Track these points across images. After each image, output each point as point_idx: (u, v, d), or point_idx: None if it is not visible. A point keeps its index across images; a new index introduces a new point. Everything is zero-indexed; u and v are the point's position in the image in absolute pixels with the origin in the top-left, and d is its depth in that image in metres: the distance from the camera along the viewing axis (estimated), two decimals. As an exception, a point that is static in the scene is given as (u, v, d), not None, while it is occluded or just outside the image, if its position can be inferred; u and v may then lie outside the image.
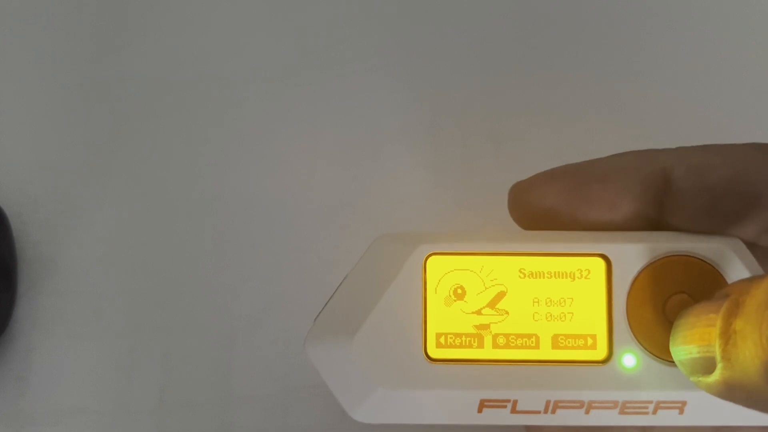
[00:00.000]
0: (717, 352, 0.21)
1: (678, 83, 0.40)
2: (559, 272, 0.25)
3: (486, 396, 0.25)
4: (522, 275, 0.25)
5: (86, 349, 0.38)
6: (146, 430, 0.37)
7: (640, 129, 0.39)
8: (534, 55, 0.40)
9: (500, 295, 0.25)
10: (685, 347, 0.23)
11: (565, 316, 0.25)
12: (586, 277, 0.25)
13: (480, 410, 0.25)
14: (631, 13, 0.41)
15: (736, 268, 0.25)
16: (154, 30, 0.41)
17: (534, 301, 0.25)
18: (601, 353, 0.25)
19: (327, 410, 0.36)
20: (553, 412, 0.25)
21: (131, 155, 0.40)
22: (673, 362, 0.24)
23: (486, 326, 0.25)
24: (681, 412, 0.25)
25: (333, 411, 0.36)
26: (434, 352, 0.25)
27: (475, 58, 0.40)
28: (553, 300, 0.25)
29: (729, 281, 0.25)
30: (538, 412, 0.25)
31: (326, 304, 0.26)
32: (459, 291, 0.25)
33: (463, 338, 0.25)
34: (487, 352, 0.25)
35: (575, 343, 0.25)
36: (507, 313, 0.25)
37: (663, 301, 0.25)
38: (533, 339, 0.25)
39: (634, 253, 0.25)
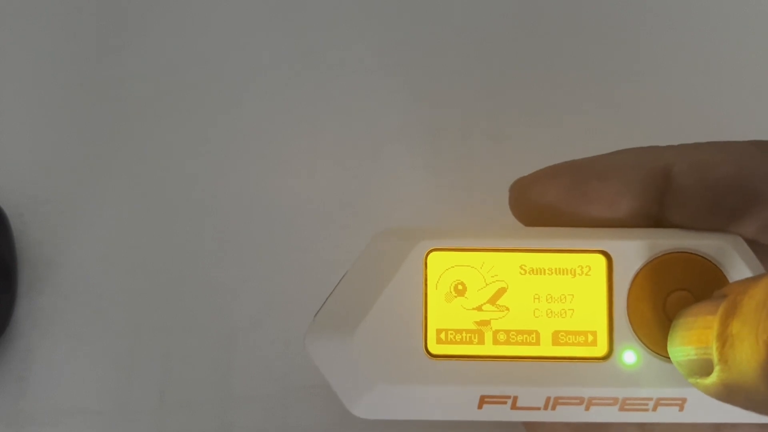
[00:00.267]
0: (714, 355, 0.21)
1: (678, 83, 0.40)
2: (559, 269, 0.25)
3: (486, 392, 0.25)
4: (523, 271, 0.25)
5: (86, 349, 0.37)
6: (146, 430, 0.37)
7: (640, 128, 0.39)
8: (534, 55, 0.40)
9: (501, 292, 0.25)
10: (682, 348, 0.23)
11: (565, 312, 0.25)
12: (586, 274, 0.25)
13: (480, 406, 0.25)
14: (631, 13, 0.41)
15: (737, 265, 0.25)
16: (155, 30, 0.41)
17: (534, 298, 0.25)
18: (601, 350, 0.25)
19: (327, 410, 0.36)
20: (553, 408, 0.25)
21: (131, 155, 0.40)
22: (674, 359, 0.24)
23: (486, 322, 0.25)
24: (681, 409, 0.25)
25: (333, 411, 0.36)
26: (435, 348, 0.25)
27: (475, 58, 0.40)
28: (553, 296, 0.25)
29: (730, 278, 0.25)
30: (538, 409, 0.25)
31: (326, 299, 0.26)
32: (460, 287, 0.25)
33: (464, 334, 0.25)
34: (488, 349, 0.25)
35: (576, 339, 0.25)
36: (507, 309, 0.25)
37: (663, 298, 0.25)
38: (534, 335, 0.25)
39: (634, 250, 0.25)
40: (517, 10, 0.41)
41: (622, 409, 0.25)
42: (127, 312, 0.38)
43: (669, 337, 0.24)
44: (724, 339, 0.20)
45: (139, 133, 0.40)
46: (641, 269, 0.25)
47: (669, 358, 0.24)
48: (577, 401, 0.25)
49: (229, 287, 0.38)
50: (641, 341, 0.25)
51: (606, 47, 0.40)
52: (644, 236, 0.25)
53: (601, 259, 0.25)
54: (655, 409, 0.25)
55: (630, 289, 0.25)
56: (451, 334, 0.25)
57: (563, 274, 0.25)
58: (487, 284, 0.25)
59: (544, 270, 0.25)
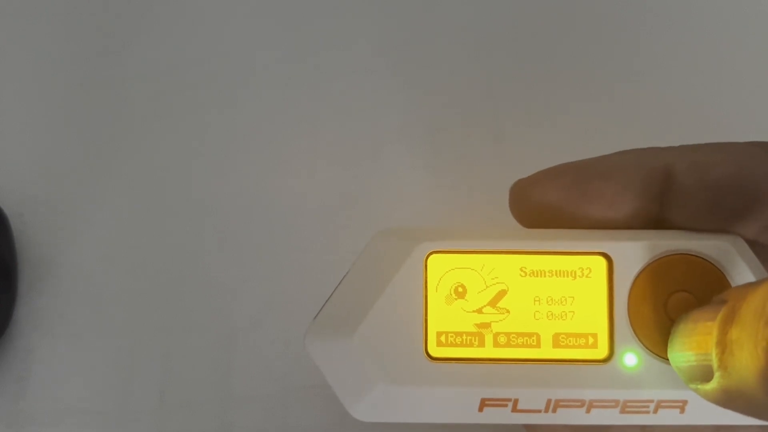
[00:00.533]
0: (714, 361, 0.20)
1: (678, 83, 0.40)
2: (560, 271, 0.25)
3: (487, 395, 0.25)
4: (523, 274, 0.25)
5: (86, 349, 0.37)
6: (146, 430, 0.37)
7: (640, 128, 0.39)
8: (534, 55, 0.40)
9: (501, 294, 0.25)
10: (682, 354, 0.23)
11: (566, 314, 0.25)
12: (587, 276, 0.25)
13: (481, 409, 0.25)
14: (631, 13, 0.41)
15: (738, 266, 0.25)
16: (154, 30, 0.41)
17: (535, 300, 0.25)
18: (602, 352, 0.25)
19: (327, 410, 0.36)
20: (554, 411, 0.25)
21: (131, 155, 0.40)
22: (674, 361, 0.24)
23: (487, 325, 0.25)
24: (682, 411, 0.25)
25: (333, 411, 0.36)
26: (435, 350, 0.25)
27: (475, 58, 0.40)
28: (554, 299, 0.25)
29: (730, 279, 0.25)
30: (539, 411, 0.25)
31: (327, 300, 0.26)
32: (460, 289, 0.25)
33: (464, 337, 0.25)
34: (488, 351, 0.25)
35: (576, 342, 0.25)
36: (508, 311, 0.25)
37: (664, 300, 0.25)
38: (534, 338, 0.25)
39: (635, 252, 0.25)
40: (517, 10, 0.41)
41: (623, 411, 0.25)
42: (127, 312, 0.38)
43: (669, 343, 0.24)
44: (723, 346, 0.20)
45: (139, 133, 0.40)
46: (642, 271, 0.25)
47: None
48: (578, 404, 0.25)
49: (229, 287, 0.38)
50: (642, 343, 0.25)
51: (606, 47, 0.40)
52: (644, 238, 0.25)
53: (602, 261, 0.25)
54: (655, 411, 0.25)
55: (630, 291, 0.25)
56: (452, 336, 0.25)
57: (563, 276, 0.25)
58: (487, 286, 0.25)
59: (545, 272, 0.25)
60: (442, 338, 0.25)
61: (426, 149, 0.39)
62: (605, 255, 0.25)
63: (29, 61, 0.41)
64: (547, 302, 0.25)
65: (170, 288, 0.38)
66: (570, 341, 0.25)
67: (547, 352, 0.25)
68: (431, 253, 0.25)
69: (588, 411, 0.25)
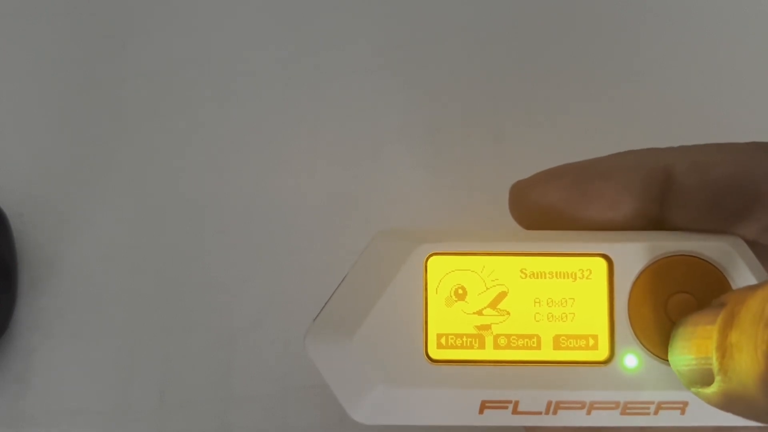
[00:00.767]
0: (714, 365, 0.20)
1: (678, 83, 0.40)
2: (560, 272, 0.25)
3: (487, 397, 0.25)
4: (523, 275, 0.25)
5: (86, 349, 0.37)
6: (146, 430, 0.37)
7: (640, 128, 0.39)
8: (534, 55, 0.40)
9: (501, 296, 0.25)
10: (683, 358, 0.23)
11: (566, 316, 0.25)
12: (587, 278, 0.25)
13: (481, 411, 0.25)
14: (631, 13, 0.41)
15: (738, 267, 0.25)
16: (155, 30, 0.41)
17: (535, 302, 0.25)
18: (602, 354, 0.25)
19: (327, 410, 0.36)
20: (555, 412, 0.25)
21: (131, 155, 0.40)
22: (675, 363, 0.24)
23: (487, 327, 0.25)
24: (682, 412, 0.25)
25: (333, 411, 0.36)
26: (435, 353, 0.25)
27: (475, 58, 0.40)
28: (554, 300, 0.25)
29: (731, 280, 0.25)
30: (540, 413, 0.25)
31: (326, 302, 0.26)
32: (460, 291, 0.25)
33: (465, 339, 0.25)
34: (489, 353, 0.25)
35: (577, 343, 0.25)
36: (508, 313, 0.25)
37: (665, 301, 0.25)
38: (534, 339, 0.25)
39: (635, 253, 0.25)
40: (517, 10, 0.41)
41: (623, 413, 0.25)
42: (127, 312, 0.38)
43: (669, 346, 0.24)
44: (723, 350, 0.20)
45: (139, 133, 0.40)
46: (642, 272, 0.25)
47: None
48: (579, 405, 0.25)
49: (229, 287, 0.38)
50: (642, 345, 0.25)
51: (606, 47, 0.40)
52: (644, 239, 0.25)
53: (602, 263, 0.25)
54: (656, 412, 0.25)
55: (631, 292, 0.25)
56: (452, 338, 0.25)
57: (564, 278, 0.25)
58: (487, 288, 0.25)
59: (545, 274, 0.25)
60: (443, 340, 0.25)
61: (426, 149, 0.39)
62: (605, 256, 0.25)
63: (29, 61, 0.41)
64: (548, 304, 0.25)
65: (170, 288, 0.38)
66: (570, 343, 0.25)
67: (547, 353, 0.25)
68: (431, 255, 0.25)
69: (588, 413, 0.25)
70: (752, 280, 0.25)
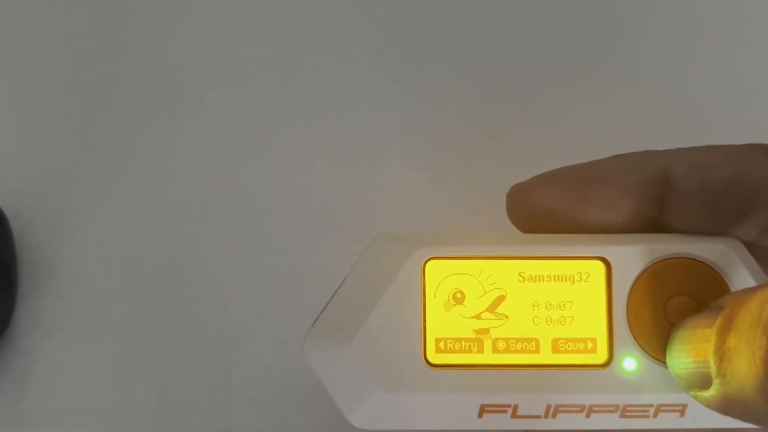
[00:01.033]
0: (712, 369, 0.20)
1: (678, 83, 0.40)
2: (558, 276, 0.25)
3: (486, 401, 0.25)
4: (521, 279, 0.25)
5: (86, 349, 0.38)
6: (146, 431, 0.37)
7: (639, 129, 0.39)
8: (534, 55, 0.40)
9: (500, 299, 0.25)
10: (681, 361, 0.23)
11: (565, 319, 0.25)
12: (585, 281, 0.25)
13: (480, 415, 0.25)
14: (631, 13, 0.41)
15: (736, 269, 0.25)
16: (155, 30, 0.41)
17: (534, 305, 0.25)
18: (601, 357, 0.25)
19: (327, 411, 0.36)
20: (554, 416, 0.25)
21: (131, 155, 0.40)
22: (674, 365, 0.24)
23: (486, 331, 0.25)
24: (682, 414, 0.25)
25: (333, 412, 0.36)
26: (434, 357, 0.25)
27: (475, 58, 0.40)
28: (552, 304, 0.25)
29: (729, 282, 0.25)
30: (539, 417, 0.25)
31: (325, 306, 0.26)
32: (458, 295, 0.25)
33: (463, 343, 0.25)
34: (487, 357, 0.25)
35: (575, 346, 0.25)
36: (507, 317, 0.25)
37: (663, 304, 0.25)
38: (533, 343, 0.25)
39: (633, 256, 0.25)
40: (517, 10, 0.41)
41: (622, 416, 0.25)
42: (127, 312, 0.38)
43: (667, 350, 0.24)
44: (721, 353, 0.20)
45: (139, 133, 0.40)
46: (640, 275, 0.25)
47: (669, 365, 0.24)
48: (578, 409, 0.25)
49: (229, 287, 0.38)
50: (641, 347, 0.25)
51: (606, 47, 0.40)
52: (643, 242, 0.25)
53: (600, 266, 0.25)
54: (655, 415, 0.25)
55: (629, 295, 0.25)
56: (450, 342, 0.25)
57: (562, 281, 0.25)
58: (485, 292, 0.25)
59: (543, 277, 0.25)
60: (441, 344, 0.25)
61: (426, 149, 0.39)
62: (603, 259, 0.25)
63: (29, 61, 0.41)
64: (546, 307, 0.25)
65: (170, 288, 0.38)
66: (569, 346, 0.25)
67: (546, 357, 0.25)
68: (429, 259, 0.25)
69: (588, 416, 0.25)
70: (751, 283, 0.25)
